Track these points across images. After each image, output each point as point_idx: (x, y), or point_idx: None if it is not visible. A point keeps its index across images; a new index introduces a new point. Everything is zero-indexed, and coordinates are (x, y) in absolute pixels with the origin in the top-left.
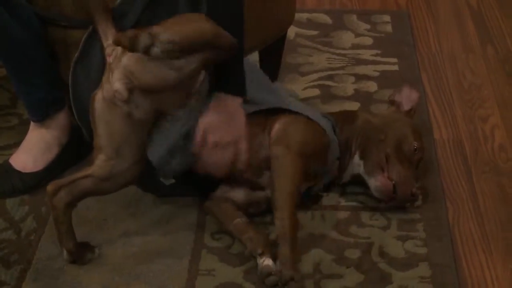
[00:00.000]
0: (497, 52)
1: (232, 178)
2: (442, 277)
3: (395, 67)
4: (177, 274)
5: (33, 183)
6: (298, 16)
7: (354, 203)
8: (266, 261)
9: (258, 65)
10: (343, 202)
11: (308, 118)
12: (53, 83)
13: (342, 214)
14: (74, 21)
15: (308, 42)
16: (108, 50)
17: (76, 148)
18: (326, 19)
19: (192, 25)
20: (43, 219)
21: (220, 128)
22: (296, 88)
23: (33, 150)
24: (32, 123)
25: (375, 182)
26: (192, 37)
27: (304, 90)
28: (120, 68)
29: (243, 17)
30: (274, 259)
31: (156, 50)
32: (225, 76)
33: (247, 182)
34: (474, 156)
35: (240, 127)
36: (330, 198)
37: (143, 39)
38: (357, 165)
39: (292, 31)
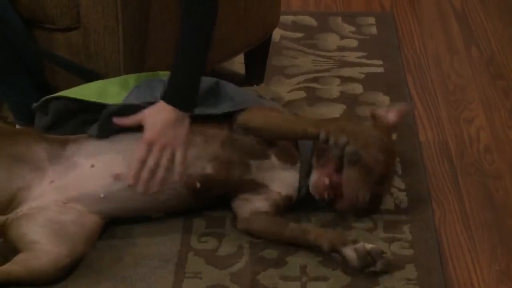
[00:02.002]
0: (481, 54)
1: (233, 190)
2: (429, 279)
3: (381, 69)
4: (164, 277)
5: None
6: (283, 18)
7: None
8: (367, 245)
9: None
10: None
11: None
12: (38, 86)
13: (328, 216)
14: (58, 24)
15: (293, 45)
16: None
17: None
18: (311, 21)
19: None
20: None
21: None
22: (282, 91)
23: None
24: (17, 127)
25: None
26: None
27: (290, 93)
28: None
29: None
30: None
31: None
32: (177, 89)
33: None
34: (460, 158)
35: (180, 137)
36: (314, 201)
37: None
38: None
39: (277, 34)
